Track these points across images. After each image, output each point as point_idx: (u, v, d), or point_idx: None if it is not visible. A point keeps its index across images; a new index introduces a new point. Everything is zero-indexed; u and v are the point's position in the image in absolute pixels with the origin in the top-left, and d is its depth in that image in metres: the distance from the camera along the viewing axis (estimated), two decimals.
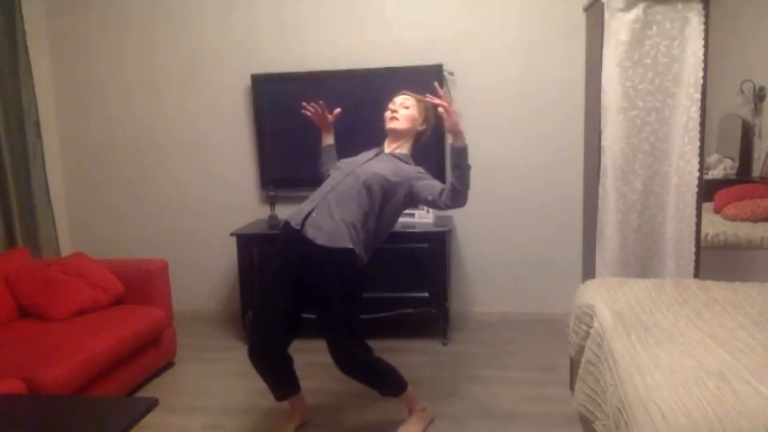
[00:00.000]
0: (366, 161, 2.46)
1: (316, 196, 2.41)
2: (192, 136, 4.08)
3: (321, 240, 2.29)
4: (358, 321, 2.45)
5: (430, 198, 2.34)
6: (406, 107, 2.49)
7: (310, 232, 2.31)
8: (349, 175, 2.39)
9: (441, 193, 2.31)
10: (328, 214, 2.32)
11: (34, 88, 3.69)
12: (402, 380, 2.50)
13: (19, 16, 3.59)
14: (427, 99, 2.31)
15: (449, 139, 2.31)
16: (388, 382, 2.48)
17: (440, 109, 2.22)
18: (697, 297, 2.16)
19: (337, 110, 2.62)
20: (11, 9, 3.55)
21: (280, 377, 2.51)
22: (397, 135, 2.50)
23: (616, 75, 2.49)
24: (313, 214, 2.33)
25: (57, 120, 4.19)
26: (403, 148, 2.52)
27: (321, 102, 2.60)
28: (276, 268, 2.42)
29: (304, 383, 3.10)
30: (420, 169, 2.46)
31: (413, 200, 2.44)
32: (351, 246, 2.30)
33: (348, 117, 3.65)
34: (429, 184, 2.37)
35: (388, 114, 2.50)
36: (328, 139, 2.71)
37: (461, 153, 2.26)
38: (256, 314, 2.52)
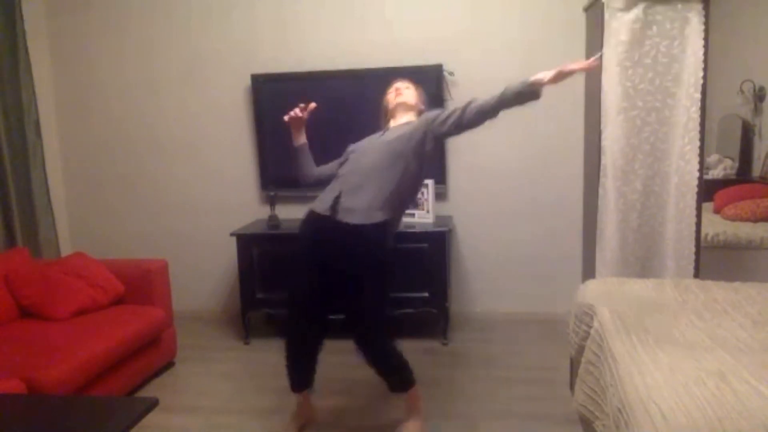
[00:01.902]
0: (380, 136, 2.49)
1: (340, 182, 2.40)
2: (192, 136, 4.08)
3: (355, 219, 2.28)
4: (387, 306, 2.47)
5: (453, 119, 2.30)
6: (408, 87, 2.59)
7: (343, 216, 2.30)
8: (369, 152, 2.41)
9: (465, 109, 2.28)
10: (357, 193, 2.32)
11: (34, 88, 3.69)
12: (412, 376, 2.50)
13: (19, 16, 3.59)
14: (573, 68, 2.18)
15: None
16: (403, 377, 2.48)
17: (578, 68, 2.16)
18: (697, 297, 2.16)
19: (312, 105, 2.53)
20: (11, 9, 3.55)
21: (306, 366, 2.53)
22: (405, 109, 2.55)
23: (616, 75, 2.49)
24: (342, 199, 2.33)
25: (57, 120, 4.19)
26: (408, 118, 2.55)
27: (314, 105, 2.55)
28: (306, 256, 2.43)
29: None
30: (432, 111, 2.47)
31: (438, 140, 2.43)
32: (384, 218, 2.31)
33: (348, 117, 3.68)
34: (446, 113, 2.35)
35: (392, 95, 2.58)
36: (302, 138, 2.60)
37: (531, 97, 2.19)
38: (291, 303, 2.52)
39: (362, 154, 2.43)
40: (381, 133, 2.55)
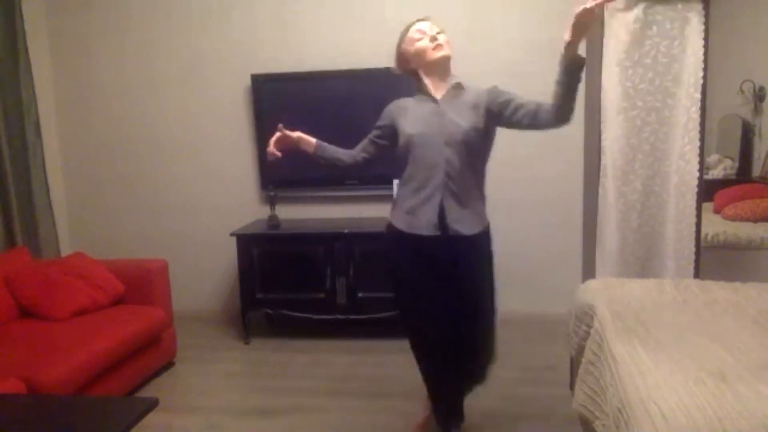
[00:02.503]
0: (436, 114, 2.11)
1: (427, 189, 2.09)
2: (192, 136, 4.08)
3: (472, 230, 2.12)
4: None
5: (526, 114, 2.01)
6: (441, 32, 2.15)
7: (456, 228, 2.09)
8: (440, 144, 2.07)
9: (539, 109, 1.99)
10: (457, 199, 2.09)
11: (34, 88, 3.68)
12: None
13: (19, 16, 3.59)
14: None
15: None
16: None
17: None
18: (697, 297, 2.16)
19: (280, 125, 2.22)
20: (11, 9, 3.54)
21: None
22: (443, 64, 2.13)
23: (616, 75, 2.49)
24: (447, 211, 2.08)
25: (57, 120, 4.19)
26: (451, 79, 2.16)
27: (280, 125, 2.22)
28: (418, 281, 2.16)
29: (304, 383, 3.11)
30: (489, 88, 2.13)
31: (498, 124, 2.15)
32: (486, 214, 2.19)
33: (347, 117, 3.68)
34: (515, 102, 2.05)
35: (427, 44, 2.11)
36: (309, 144, 2.27)
37: (577, 64, 1.90)
38: (419, 340, 2.27)
39: (433, 146, 2.07)
40: (430, 106, 2.13)
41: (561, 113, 1.94)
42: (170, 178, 4.15)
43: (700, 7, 2.40)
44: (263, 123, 3.91)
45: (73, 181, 4.25)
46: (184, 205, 4.15)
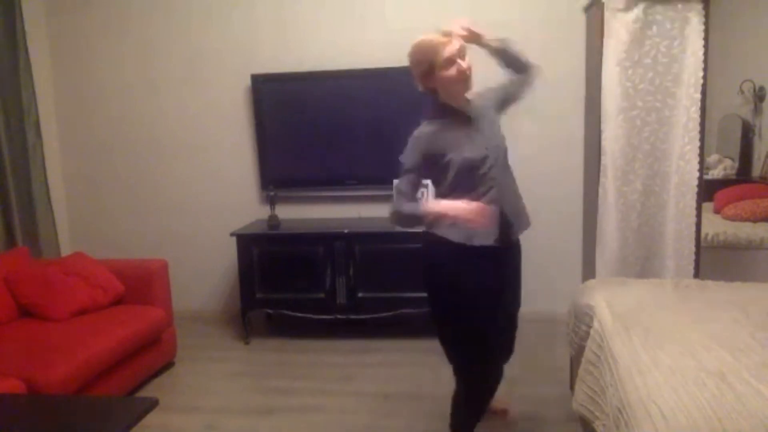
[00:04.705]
0: (484, 141, 2.15)
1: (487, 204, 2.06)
2: (192, 136, 4.08)
3: (522, 231, 2.28)
4: None
5: (520, 93, 2.30)
6: (463, 49, 2.19)
7: (517, 236, 2.27)
8: (491, 163, 2.15)
9: (516, 80, 2.30)
10: (515, 211, 2.24)
11: (34, 88, 3.69)
12: None
13: (19, 16, 3.59)
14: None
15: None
16: None
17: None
18: (697, 297, 2.16)
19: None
20: (11, 9, 3.55)
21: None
22: (468, 88, 2.19)
23: (616, 75, 2.49)
24: (510, 220, 2.16)
25: (57, 120, 4.19)
26: (467, 94, 2.22)
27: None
28: (488, 292, 2.11)
29: (304, 383, 3.11)
30: (484, 91, 2.31)
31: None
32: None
33: (347, 117, 3.68)
34: (505, 85, 2.33)
35: (453, 75, 2.10)
36: None
37: (495, 48, 2.27)
38: (478, 352, 2.21)
39: (486, 162, 2.11)
40: (465, 123, 2.15)
41: (523, 69, 2.28)
42: (170, 178, 4.15)
43: (700, 7, 2.40)
44: (263, 123, 3.91)
45: (73, 181, 4.25)
46: (184, 205, 4.15)
